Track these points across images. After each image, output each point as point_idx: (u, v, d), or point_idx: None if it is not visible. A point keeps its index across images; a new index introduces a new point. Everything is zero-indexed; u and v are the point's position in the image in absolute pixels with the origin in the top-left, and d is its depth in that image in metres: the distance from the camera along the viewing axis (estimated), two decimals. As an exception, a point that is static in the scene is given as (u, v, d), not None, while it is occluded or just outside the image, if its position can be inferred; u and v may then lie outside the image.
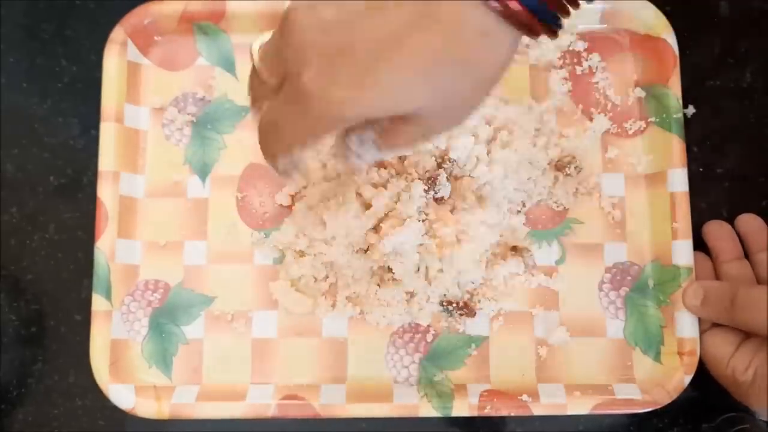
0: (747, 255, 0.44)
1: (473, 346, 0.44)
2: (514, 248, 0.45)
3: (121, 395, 0.42)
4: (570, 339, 0.44)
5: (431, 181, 0.41)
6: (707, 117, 0.47)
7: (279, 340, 0.44)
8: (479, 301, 0.44)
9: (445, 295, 0.44)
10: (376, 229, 0.42)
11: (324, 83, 0.26)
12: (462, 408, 0.42)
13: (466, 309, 0.44)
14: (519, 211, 0.45)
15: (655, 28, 0.46)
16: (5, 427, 0.45)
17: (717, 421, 0.42)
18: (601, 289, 0.45)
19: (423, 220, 0.41)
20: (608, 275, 0.45)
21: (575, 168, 0.45)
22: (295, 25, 0.27)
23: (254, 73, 0.31)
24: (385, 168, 0.42)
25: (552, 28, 0.27)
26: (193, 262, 0.45)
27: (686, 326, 0.43)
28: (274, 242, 0.45)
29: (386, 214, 0.42)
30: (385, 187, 0.42)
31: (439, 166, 0.41)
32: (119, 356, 0.43)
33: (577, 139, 0.46)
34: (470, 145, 0.42)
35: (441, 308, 0.44)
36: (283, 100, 0.29)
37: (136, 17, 0.46)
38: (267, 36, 0.31)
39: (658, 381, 0.43)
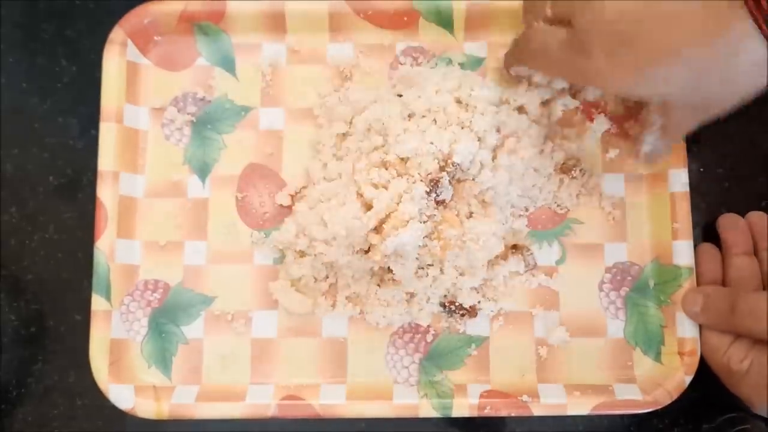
0: (755, 251, 0.44)
1: (473, 346, 0.44)
2: (515, 247, 0.45)
3: (121, 395, 0.42)
4: (570, 339, 0.44)
5: (433, 183, 0.41)
6: (707, 117, 0.47)
7: (279, 340, 0.44)
8: (479, 302, 0.44)
9: (446, 296, 0.44)
10: (377, 229, 0.42)
11: (606, 67, 0.34)
12: (462, 408, 0.42)
13: (469, 309, 0.44)
14: (521, 216, 0.45)
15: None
16: (5, 427, 0.45)
17: (717, 422, 0.42)
18: (601, 289, 0.45)
19: (425, 222, 0.41)
20: (608, 275, 0.45)
21: (580, 171, 0.45)
22: (595, 8, 0.34)
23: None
24: (387, 168, 0.42)
25: None
26: (192, 262, 0.45)
27: (687, 326, 0.43)
28: (274, 242, 0.45)
29: (388, 215, 0.41)
30: (386, 188, 0.42)
31: (442, 169, 0.41)
32: (119, 356, 0.43)
33: (578, 140, 0.46)
34: (474, 149, 0.42)
35: (442, 309, 0.44)
36: (566, 44, 0.36)
37: (135, 17, 0.46)
38: None
39: (659, 381, 0.43)
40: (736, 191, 0.46)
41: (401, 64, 0.47)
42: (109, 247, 0.44)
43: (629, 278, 0.45)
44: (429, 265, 0.43)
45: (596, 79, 0.36)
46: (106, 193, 0.44)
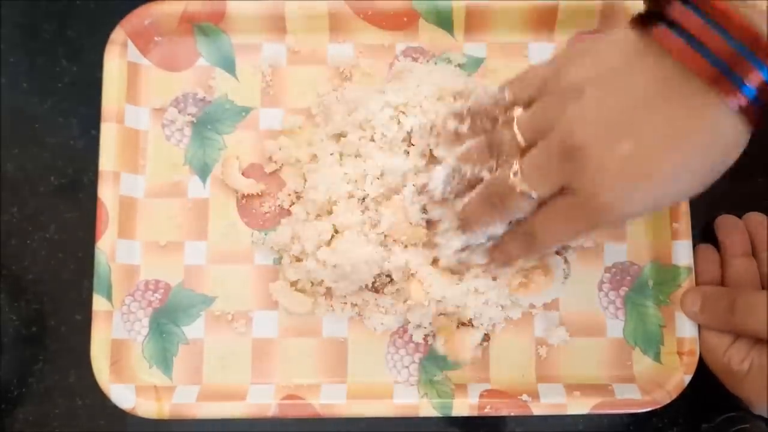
0: (754, 253, 0.44)
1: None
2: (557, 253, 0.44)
3: (122, 395, 0.42)
4: (570, 339, 0.44)
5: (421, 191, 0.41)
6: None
7: (279, 339, 0.45)
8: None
9: (460, 320, 0.43)
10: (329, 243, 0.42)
11: (620, 204, 0.33)
12: (462, 408, 0.42)
13: (485, 336, 0.44)
14: None
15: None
16: (5, 426, 0.45)
17: (717, 421, 0.43)
18: (600, 289, 0.45)
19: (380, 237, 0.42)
20: (608, 275, 0.45)
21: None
22: (592, 160, 0.32)
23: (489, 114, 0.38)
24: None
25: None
26: (193, 262, 0.45)
27: (686, 326, 0.43)
28: (270, 243, 0.45)
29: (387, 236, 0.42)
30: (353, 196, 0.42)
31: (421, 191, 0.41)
32: (120, 356, 0.43)
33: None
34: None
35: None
36: (559, 208, 0.35)
37: (136, 18, 0.46)
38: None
39: (658, 381, 0.43)
40: (736, 191, 0.46)
41: (401, 64, 0.47)
42: (110, 248, 0.44)
43: (628, 278, 0.45)
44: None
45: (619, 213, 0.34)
46: (106, 194, 0.44)
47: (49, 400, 0.45)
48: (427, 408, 0.42)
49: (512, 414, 0.42)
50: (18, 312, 0.46)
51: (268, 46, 0.47)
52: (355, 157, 0.43)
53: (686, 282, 0.43)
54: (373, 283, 0.43)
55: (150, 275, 0.45)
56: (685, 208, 0.44)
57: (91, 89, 0.46)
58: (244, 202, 0.46)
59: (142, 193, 0.46)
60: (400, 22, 0.47)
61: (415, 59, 0.47)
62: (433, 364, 0.44)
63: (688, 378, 0.42)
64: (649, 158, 0.32)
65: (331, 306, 0.44)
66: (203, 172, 0.46)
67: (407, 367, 0.44)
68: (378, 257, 0.41)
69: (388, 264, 0.42)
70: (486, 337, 0.44)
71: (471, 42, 0.47)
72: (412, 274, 0.42)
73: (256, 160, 0.46)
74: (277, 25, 0.47)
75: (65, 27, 0.49)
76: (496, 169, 0.37)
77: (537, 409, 0.42)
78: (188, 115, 0.47)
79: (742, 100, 0.29)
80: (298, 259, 0.44)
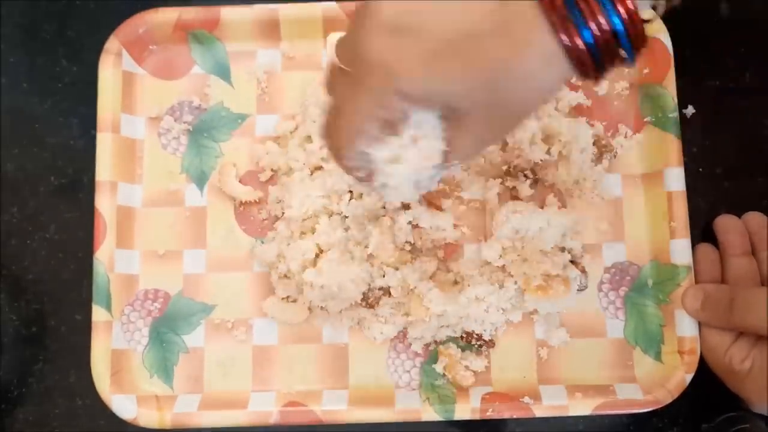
0: (753, 252, 0.44)
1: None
2: (573, 263, 0.44)
3: (123, 406, 0.42)
4: (570, 340, 0.44)
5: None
6: (707, 117, 0.47)
7: (280, 346, 0.45)
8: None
9: (464, 329, 0.44)
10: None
11: (389, 57, 0.28)
12: (464, 412, 0.42)
13: (487, 341, 0.44)
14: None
15: (649, 28, 0.45)
16: (6, 426, 0.45)
17: (717, 421, 0.42)
18: (600, 290, 0.45)
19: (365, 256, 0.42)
20: (607, 275, 0.45)
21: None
22: (372, 8, 0.28)
23: (333, 67, 0.32)
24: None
25: (600, 74, 0.28)
26: (192, 270, 0.45)
27: (686, 325, 0.43)
28: (260, 255, 0.45)
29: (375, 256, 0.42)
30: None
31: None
32: (120, 367, 0.43)
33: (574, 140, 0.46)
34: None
35: (462, 344, 0.44)
36: (347, 82, 0.30)
37: (130, 27, 0.46)
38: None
39: (659, 380, 0.43)
40: (736, 191, 0.46)
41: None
42: (109, 258, 0.44)
43: (628, 278, 0.45)
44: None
45: (388, 81, 0.29)
46: (104, 204, 0.44)
47: (49, 400, 0.45)
48: (429, 412, 0.42)
49: (514, 416, 0.42)
50: (18, 312, 0.46)
51: (263, 52, 0.47)
52: (319, 169, 0.43)
53: (686, 280, 0.43)
54: (366, 299, 0.43)
55: (149, 284, 0.45)
56: (682, 207, 0.44)
57: (91, 89, 0.46)
58: (242, 209, 0.46)
59: (139, 202, 0.46)
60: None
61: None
62: (434, 368, 0.44)
63: (689, 377, 0.42)
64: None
65: (328, 318, 0.44)
66: (200, 180, 0.46)
67: (408, 371, 0.44)
68: (365, 275, 0.41)
69: (381, 281, 0.42)
70: (490, 344, 0.44)
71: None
72: (412, 290, 0.42)
73: (253, 167, 0.46)
74: (272, 31, 0.47)
75: (65, 27, 0.49)
76: None
77: (539, 411, 0.42)
78: (184, 123, 0.47)
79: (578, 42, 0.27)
80: (287, 276, 0.44)
